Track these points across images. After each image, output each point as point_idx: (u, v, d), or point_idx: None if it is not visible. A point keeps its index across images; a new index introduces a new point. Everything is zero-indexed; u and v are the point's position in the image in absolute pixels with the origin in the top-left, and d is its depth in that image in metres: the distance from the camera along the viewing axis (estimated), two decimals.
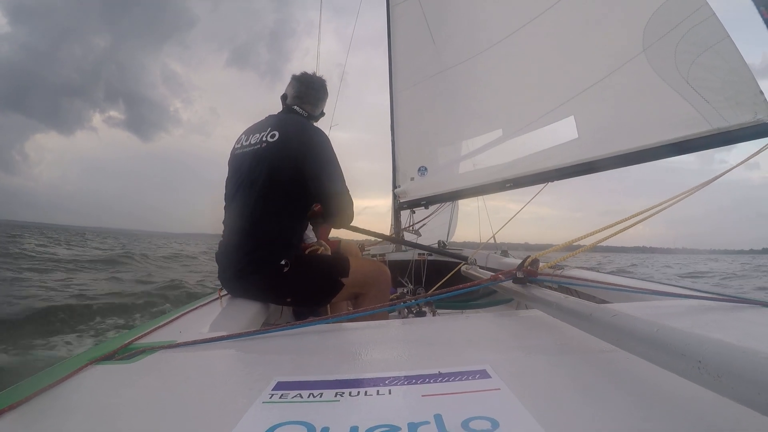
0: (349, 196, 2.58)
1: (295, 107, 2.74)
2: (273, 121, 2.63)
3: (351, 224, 2.89)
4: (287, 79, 2.86)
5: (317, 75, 2.89)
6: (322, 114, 2.91)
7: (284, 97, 2.83)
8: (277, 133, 2.50)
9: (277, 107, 2.82)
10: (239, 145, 2.64)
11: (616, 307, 1.44)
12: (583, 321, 1.07)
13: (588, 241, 2.10)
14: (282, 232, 2.43)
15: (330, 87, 2.93)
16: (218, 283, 2.53)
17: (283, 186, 2.41)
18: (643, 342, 0.81)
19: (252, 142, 2.56)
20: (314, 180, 2.41)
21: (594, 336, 1.02)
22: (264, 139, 2.51)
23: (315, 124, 2.80)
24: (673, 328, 0.77)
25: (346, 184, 2.58)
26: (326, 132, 2.61)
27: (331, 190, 2.47)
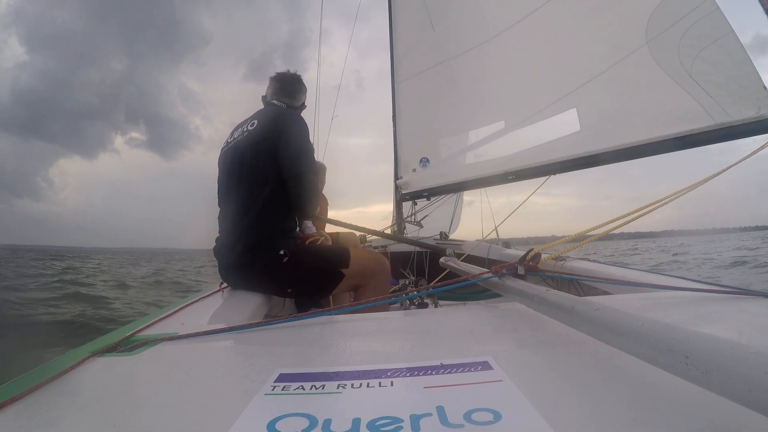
0: (314, 181, 2.60)
1: (274, 101, 2.80)
2: (255, 114, 2.70)
3: (319, 214, 2.94)
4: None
5: (291, 72, 2.96)
6: (304, 106, 2.96)
7: (264, 97, 2.90)
8: (256, 122, 2.58)
9: None
10: (225, 144, 2.71)
11: (602, 299, 1.44)
12: (565, 315, 1.07)
13: (600, 232, 2.11)
14: (274, 218, 2.46)
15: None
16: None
17: (266, 172, 2.44)
18: (628, 337, 0.80)
19: (236, 136, 2.64)
20: (282, 161, 2.43)
21: (578, 330, 1.02)
22: (246, 129, 2.58)
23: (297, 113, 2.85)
24: (659, 322, 0.76)
25: (316, 173, 2.65)
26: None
27: (293, 171, 2.45)
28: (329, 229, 3.56)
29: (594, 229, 2.13)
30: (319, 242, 2.78)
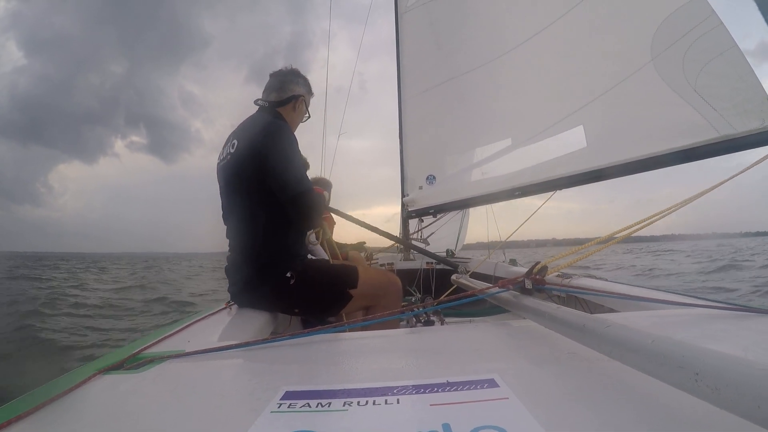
0: (311, 192, 2.48)
1: (259, 102, 2.70)
2: (236, 130, 2.61)
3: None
4: None
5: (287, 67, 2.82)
6: (294, 97, 2.73)
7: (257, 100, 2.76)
8: (236, 142, 2.48)
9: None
10: (219, 159, 2.63)
11: (612, 317, 1.43)
12: (576, 332, 1.06)
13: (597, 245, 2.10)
14: (277, 236, 2.42)
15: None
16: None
17: (260, 193, 2.37)
18: (638, 353, 0.80)
19: (224, 155, 2.55)
20: (275, 185, 2.35)
21: (588, 347, 1.02)
22: (229, 151, 2.49)
23: (289, 109, 2.72)
24: (670, 339, 0.76)
25: (309, 182, 2.51)
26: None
27: (289, 194, 2.36)
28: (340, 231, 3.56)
29: (600, 240, 2.13)
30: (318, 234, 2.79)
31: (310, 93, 2.85)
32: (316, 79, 2.85)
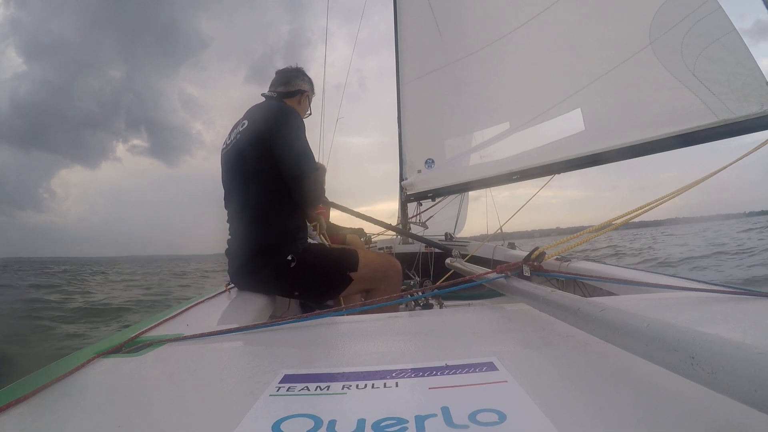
0: (315, 176, 2.52)
1: (267, 93, 2.79)
2: (246, 113, 2.65)
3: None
4: None
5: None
6: (300, 92, 2.86)
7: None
8: (246, 122, 2.53)
9: None
10: (224, 145, 2.67)
11: (608, 300, 1.43)
12: (571, 316, 1.06)
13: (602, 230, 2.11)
14: (278, 219, 2.43)
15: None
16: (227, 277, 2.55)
17: (264, 173, 2.40)
18: (633, 337, 0.80)
19: (231, 138, 2.59)
20: (281, 164, 2.39)
21: (583, 331, 1.01)
22: (238, 131, 2.54)
23: (294, 102, 2.82)
24: (665, 322, 0.75)
25: (315, 163, 2.55)
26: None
27: (293, 173, 2.40)
28: (337, 223, 3.55)
29: (600, 226, 2.13)
30: (314, 226, 2.83)
31: (312, 91, 2.98)
32: (314, 77, 2.92)
